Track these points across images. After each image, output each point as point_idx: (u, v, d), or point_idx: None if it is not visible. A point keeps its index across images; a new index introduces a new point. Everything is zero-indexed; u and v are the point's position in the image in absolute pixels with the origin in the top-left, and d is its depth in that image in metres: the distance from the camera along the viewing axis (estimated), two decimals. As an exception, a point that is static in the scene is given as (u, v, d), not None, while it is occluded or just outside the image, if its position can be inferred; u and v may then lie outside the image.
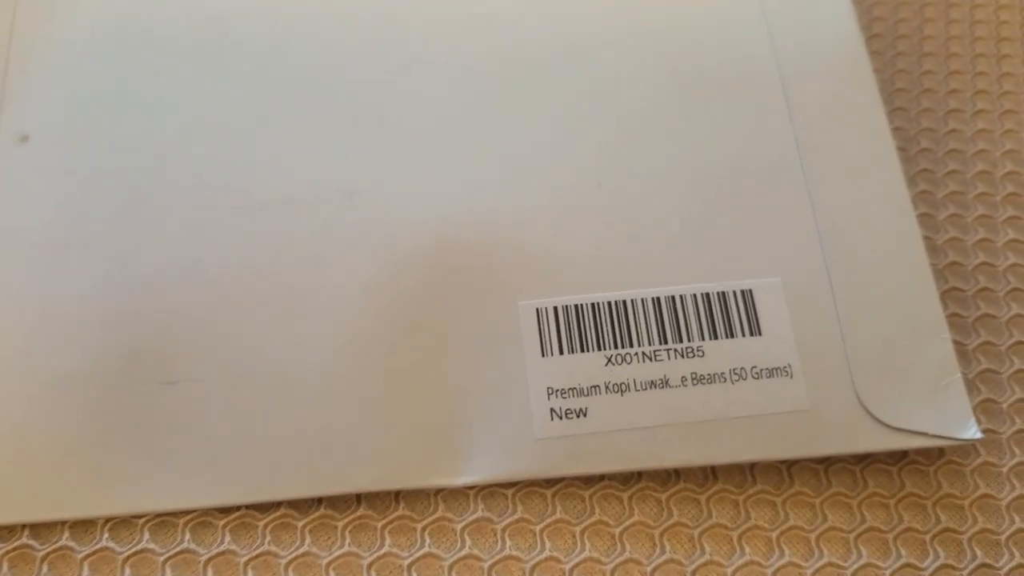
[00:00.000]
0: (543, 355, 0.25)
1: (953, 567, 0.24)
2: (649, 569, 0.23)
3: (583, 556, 0.24)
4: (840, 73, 0.28)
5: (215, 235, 0.26)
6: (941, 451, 0.25)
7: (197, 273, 0.25)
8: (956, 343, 0.26)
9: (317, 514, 0.24)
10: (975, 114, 0.31)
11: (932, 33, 0.33)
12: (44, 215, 0.26)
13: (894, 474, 0.25)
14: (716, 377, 0.24)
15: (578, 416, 0.24)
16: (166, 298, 0.25)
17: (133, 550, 0.23)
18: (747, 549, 0.24)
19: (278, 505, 0.24)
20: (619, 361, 0.24)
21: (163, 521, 0.24)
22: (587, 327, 0.25)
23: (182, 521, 0.24)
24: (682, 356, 0.24)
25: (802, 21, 0.29)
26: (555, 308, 0.25)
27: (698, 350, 0.25)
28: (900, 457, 0.25)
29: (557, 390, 0.24)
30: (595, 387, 0.24)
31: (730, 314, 0.25)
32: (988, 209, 0.29)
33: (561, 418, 0.24)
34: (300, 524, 0.24)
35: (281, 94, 0.28)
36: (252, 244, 0.26)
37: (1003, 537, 0.24)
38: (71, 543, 0.24)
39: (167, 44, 0.29)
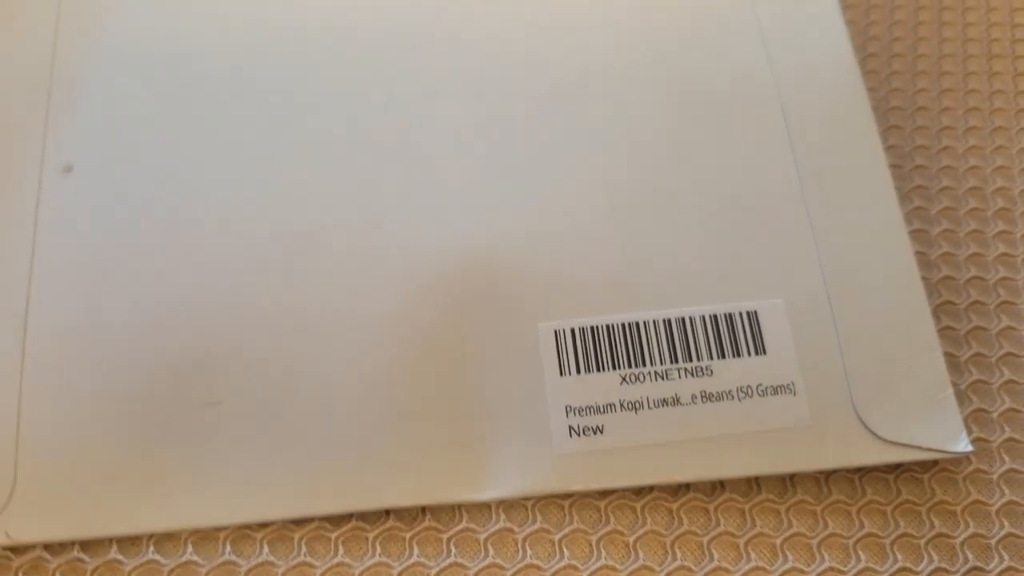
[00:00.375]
0: (561, 375, 0.26)
1: (946, 570, 0.25)
2: (662, 575, 0.25)
3: (599, 564, 0.25)
4: (837, 101, 0.30)
5: (251, 262, 0.27)
6: (935, 460, 0.26)
7: (236, 298, 0.27)
8: (948, 355, 0.28)
9: (349, 526, 0.25)
10: (967, 131, 0.32)
11: (926, 52, 0.34)
12: (89, 243, 0.27)
13: (890, 482, 0.26)
14: (724, 395, 0.26)
15: (595, 433, 0.25)
16: (207, 323, 0.26)
17: (178, 562, 0.25)
18: (753, 555, 0.25)
19: (312, 518, 0.25)
20: (633, 380, 0.26)
21: (205, 535, 0.25)
22: (602, 348, 0.26)
23: (223, 534, 0.25)
24: (692, 375, 0.26)
25: (801, 53, 0.30)
26: (572, 330, 0.26)
27: (707, 369, 0.26)
28: (896, 466, 0.26)
29: (575, 408, 0.26)
30: (611, 405, 0.26)
31: (736, 335, 0.26)
32: (979, 224, 0.30)
33: (579, 435, 0.25)
34: (333, 536, 0.25)
35: (309, 126, 0.29)
36: (286, 270, 0.27)
37: (993, 541, 0.25)
38: (119, 556, 0.25)
39: (202, 75, 0.30)
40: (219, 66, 0.30)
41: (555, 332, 0.26)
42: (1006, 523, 0.26)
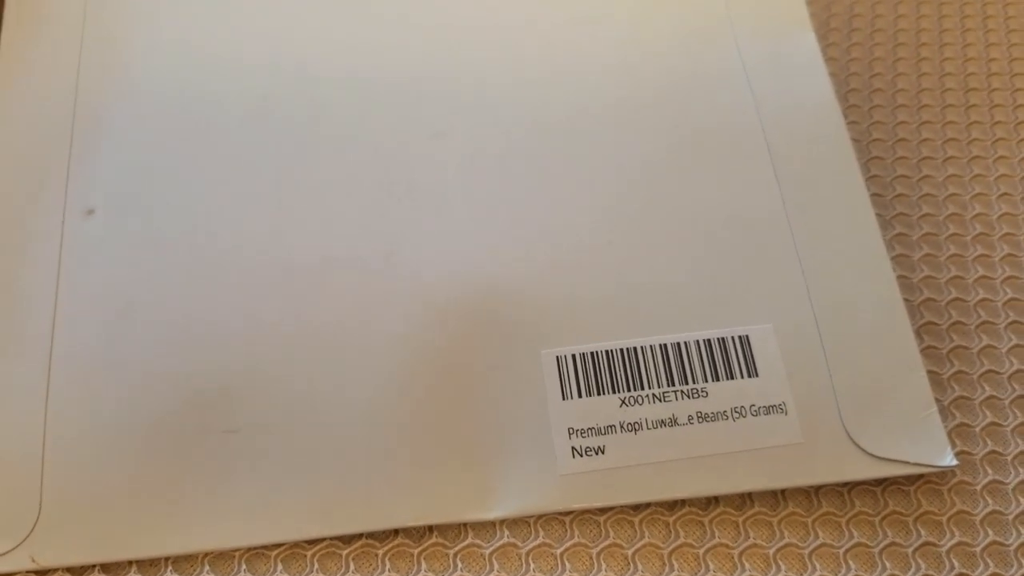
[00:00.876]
0: (563, 398, 0.27)
1: (933, 578, 0.26)
2: (661, 587, 0.26)
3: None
4: (819, 136, 0.31)
5: (267, 294, 0.28)
6: (920, 474, 0.27)
7: (252, 330, 0.28)
8: (932, 373, 0.29)
9: (359, 544, 0.26)
10: (946, 160, 0.34)
11: (905, 86, 0.36)
12: (111, 280, 0.28)
13: (878, 494, 0.27)
14: (719, 415, 0.27)
15: (597, 453, 0.26)
16: (226, 354, 0.27)
17: (196, 581, 0.26)
18: (747, 565, 0.26)
19: (325, 538, 0.26)
20: (632, 402, 0.27)
21: (221, 554, 0.26)
22: (602, 372, 0.27)
23: (238, 553, 0.26)
24: (688, 397, 0.27)
25: (783, 91, 0.32)
26: (573, 355, 0.28)
27: (702, 391, 0.27)
28: (883, 479, 0.27)
29: (577, 430, 0.27)
30: (611, 426, 0.27)
31: (729, 358, 0.28)
32: (959, 248, 0.32)
33: (582, 455, 0.26)
34: (344, 553, 0.26)
35: (322, 164, 0.30)
36: (300, 302, 0.28)
37: (978, 549, 0.27)
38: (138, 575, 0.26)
39: (218, 119, 0.31)
40: (234, 110, 0.31)
41: (557, 358, 0.27)
42: (990, 532, 0.27)
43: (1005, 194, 0.33)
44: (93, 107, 0.31)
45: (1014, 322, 0.30)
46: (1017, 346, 0.30)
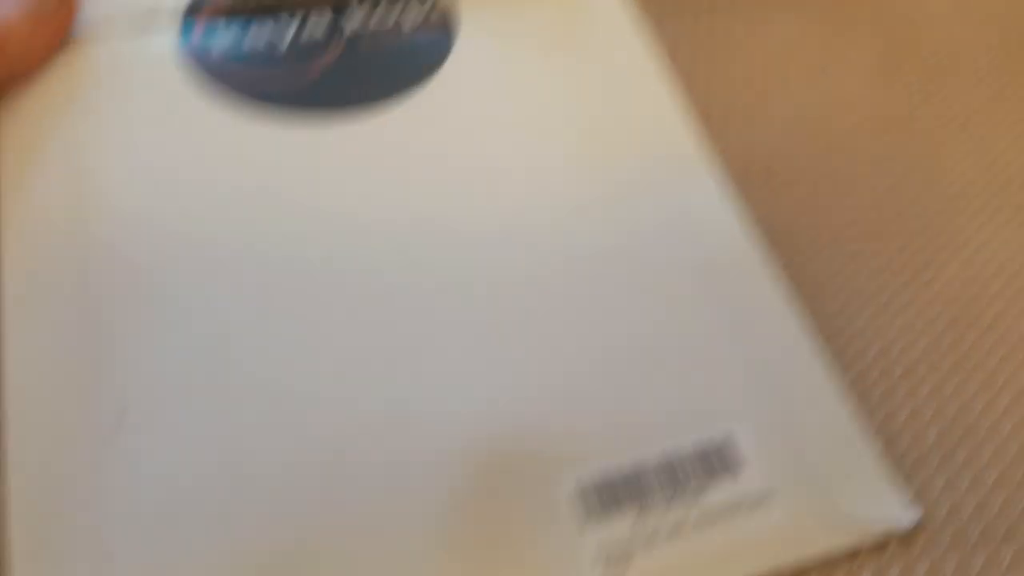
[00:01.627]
0: (582, 520, 0.30)
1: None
2: None
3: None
4: (745, 272, 0.37)
5: (292, 453, 0.31)
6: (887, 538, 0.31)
7: (284, 500, 0.30)
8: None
9: None
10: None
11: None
12: (151, 476, 0.30)
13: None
14: (716, 514, 0.30)
15: (621, 568, 0.29)
16: (263, 515, 0.29)
17: None
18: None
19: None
20: (646, 515, 0.30)
21: None
22: (615, 491, 0.30)
23: None
24: (689, 501, 0.30)
25: (705, 239, 0.38)
26: (588, 476, 0.31)
27: (700, 492, 0.31)
28: (857, 553, 0.30)
29: (600, 549, 0.29)
30: (630, 540, 0.30)
31: (717, 460, 0.31)
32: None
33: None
34: None
35: (337, 323, 0.34)
36: (328, 453, 0.31)
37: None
38: None
39: (234, 279, 0.34)
40: (247, 282, 0.34)
41: (575, 482, 0.31)
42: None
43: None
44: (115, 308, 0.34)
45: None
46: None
